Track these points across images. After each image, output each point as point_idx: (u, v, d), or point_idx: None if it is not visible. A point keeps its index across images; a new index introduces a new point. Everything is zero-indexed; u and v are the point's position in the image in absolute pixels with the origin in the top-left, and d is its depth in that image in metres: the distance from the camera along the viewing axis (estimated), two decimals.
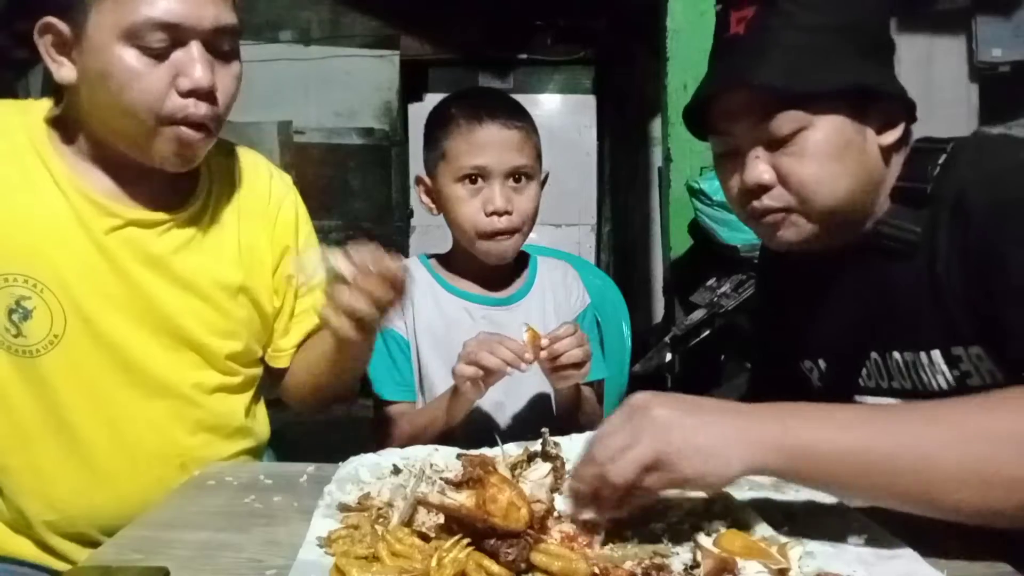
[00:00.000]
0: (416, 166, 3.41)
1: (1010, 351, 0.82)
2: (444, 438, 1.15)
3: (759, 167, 0.94)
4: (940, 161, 0.91)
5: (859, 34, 0.93)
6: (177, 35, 0.98)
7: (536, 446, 0.89)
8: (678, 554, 0.72)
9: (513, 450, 0.95)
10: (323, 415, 1.33)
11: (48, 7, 1.00)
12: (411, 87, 5.44)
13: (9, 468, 1.07)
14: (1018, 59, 3.55)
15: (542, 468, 0.81)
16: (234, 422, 1.17)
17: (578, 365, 1.14)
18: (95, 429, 1.07)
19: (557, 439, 0.88)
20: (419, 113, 4.80)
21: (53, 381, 1.05)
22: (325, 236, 1.25)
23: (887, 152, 0.95)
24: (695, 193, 2.76)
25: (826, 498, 0.84)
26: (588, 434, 0.82)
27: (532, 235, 1.34)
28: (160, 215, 1.09)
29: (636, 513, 0.76)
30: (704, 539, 0.72)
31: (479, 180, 1.27)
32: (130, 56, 0.97)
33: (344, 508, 0.83)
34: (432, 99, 4.31)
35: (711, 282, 2.76)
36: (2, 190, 1.04)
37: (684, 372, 2.88)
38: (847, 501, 0.83)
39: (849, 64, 0.91)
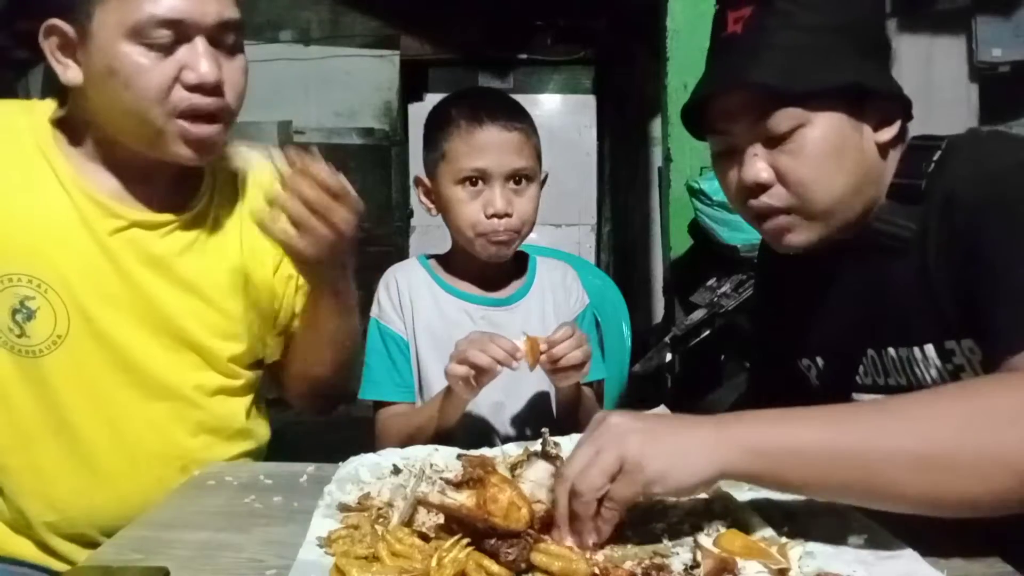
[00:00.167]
0: (416, 166, 3.41)
1: (992, 347, 0.82)
2: (444, 438, 1.15)
3: (757, 165, 0.95)
4: (935, 158, 0.92)
5: (856, 33, 0.93)
6: (181, 31, 0.99)
7: (536, 446, 0.88)
8: (678, 554, 0.72)
9: (513, 450, 0.95)
10: (324, 415, 1.33)
11: (51, 9, 1.00)
12: (411, 87, 5.45)
13: (9, 468, 1.07)
14: (1018, 59, 3.55)
15: (542, 468, 0.81)
16: (235, 424, 1.17)
17: (578, 366, 1.14)
18: (96, 430, 1.07)
19: (557, 439, 0.88)
20: (419, 113, 4.79)
21: (55, 381, 1.05)
22: None
23: (884, 149, 0.96)
24: (695, 193, 2.76)
25: None
26: None
27: (532, 235, 1.34)
28: (164, 216, 1.09)
29: (636, 513, 0.76)
30: (704, 539, 0.72)
31: (479, 182, 1.26)
32: (135, 53, 0.98)
33: (344, 508, 0.83)
34: (432, 99, 4.30)
35: (711, 282, 2.76)
36: (7, 191, 1.04)
37: (684, 372, 2.87)
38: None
39: (846, 63, 0.92)
